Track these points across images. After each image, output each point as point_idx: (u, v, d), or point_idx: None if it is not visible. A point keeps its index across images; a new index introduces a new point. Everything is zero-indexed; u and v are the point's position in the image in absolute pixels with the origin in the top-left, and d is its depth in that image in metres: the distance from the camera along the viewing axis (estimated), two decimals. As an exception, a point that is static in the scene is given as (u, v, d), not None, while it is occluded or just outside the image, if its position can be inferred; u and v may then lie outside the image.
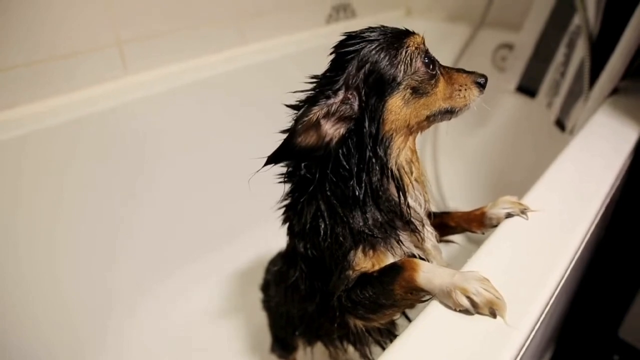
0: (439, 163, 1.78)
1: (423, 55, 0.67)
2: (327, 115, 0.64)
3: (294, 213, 0.74)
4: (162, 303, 1.43)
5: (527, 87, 1.64)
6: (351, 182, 0.66)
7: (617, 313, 1.45)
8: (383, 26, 0.69)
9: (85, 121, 1.21)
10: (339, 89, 0.65)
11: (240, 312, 1.42)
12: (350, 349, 0.83)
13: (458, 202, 1.74)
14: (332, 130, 0.65)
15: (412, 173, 0.70)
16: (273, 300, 1.05)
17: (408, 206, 0.69)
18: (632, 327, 1.43)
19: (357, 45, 0.65)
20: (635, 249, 1.36)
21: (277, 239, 0.90)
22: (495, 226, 0.74)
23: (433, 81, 0.67)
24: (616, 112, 1.08)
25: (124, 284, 1.39)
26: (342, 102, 0.65)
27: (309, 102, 0.64)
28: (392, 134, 0.66)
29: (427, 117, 0.69)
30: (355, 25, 1.84)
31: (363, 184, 0.66)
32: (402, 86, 0.65)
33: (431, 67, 0.67)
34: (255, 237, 1.57)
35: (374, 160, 0.66)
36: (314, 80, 0.68)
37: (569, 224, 0.73)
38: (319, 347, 0.94)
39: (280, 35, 1.66)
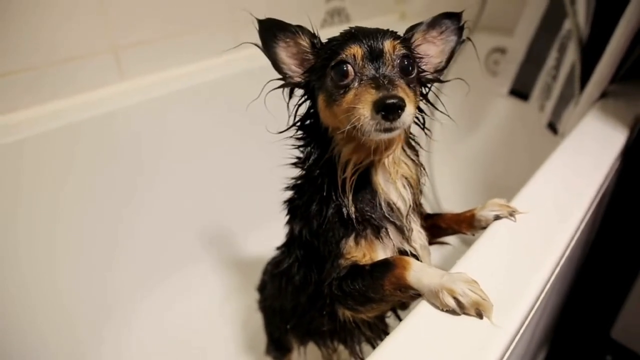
0: (433, 165, 1.79)
1: (344, 65, 0.63)
2: (304, 54, 0.70)
3: (294, 195, 0.77)
4: (162, 303, 1.45)
5: (520, 91, 1.66)
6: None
7: (609, 314, 1.46)
8: (361, 28, 0.68)
9: (84, 125, 1.23)
10: (316, 53, 0.70)
11: (239, 313, 1.43)
12: (341, 347, 0.84)
13: (453, 204, 1.75)
14: (295, 69, 0.71)
15: (352, 173, 0.69)
16: (269, 298, 1.05)
17: (345, 198, 0.69)
18: (625, 328, 1.44)
19: (340, 35, 0.69)
20: (627, 249, 1.38)
21: (277, 241, 0.91)
22: (484, 228, 0.75)
23: (342, 92, 0.63)
24: (605, 115, 1.10)
25: (124, 284, 1.40)
26: (314, 64, 0.70)
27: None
28: (329, 126, 0.70)
29: (354, 128, 0.61)
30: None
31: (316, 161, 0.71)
32: (323, 88, 0.67)
33: (342, 76, 0.63)
34: (254, 238, 1.59)
35: (316, 143, 0.71)
36: None
37: (557, 224, 0.74)
38: (314, 351, 0.94)
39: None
